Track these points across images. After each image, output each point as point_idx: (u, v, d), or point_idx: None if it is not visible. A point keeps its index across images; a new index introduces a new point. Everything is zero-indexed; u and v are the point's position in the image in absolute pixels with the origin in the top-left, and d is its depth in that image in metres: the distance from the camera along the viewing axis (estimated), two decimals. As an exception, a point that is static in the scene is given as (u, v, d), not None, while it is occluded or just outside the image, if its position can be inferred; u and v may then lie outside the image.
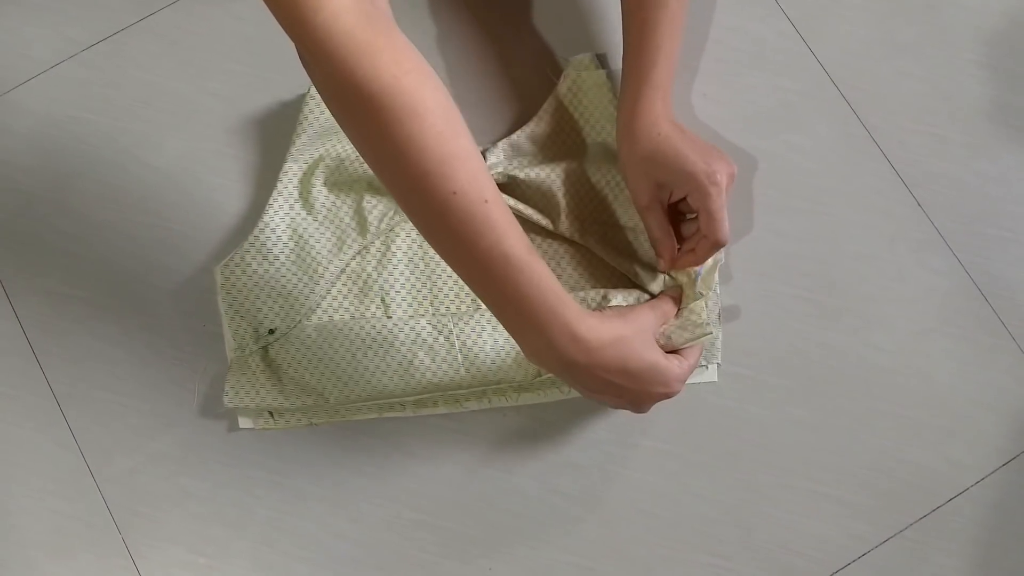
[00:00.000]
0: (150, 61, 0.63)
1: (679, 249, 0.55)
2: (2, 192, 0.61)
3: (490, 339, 0.56)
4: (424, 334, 0.56)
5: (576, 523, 0.56)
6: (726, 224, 0.52)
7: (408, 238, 0.59)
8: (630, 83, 0.55)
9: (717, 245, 0.52)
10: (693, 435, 0.57)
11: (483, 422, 0.57)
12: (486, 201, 0.44)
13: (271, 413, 0.57)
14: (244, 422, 0.57)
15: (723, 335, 0.58)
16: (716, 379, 0.57)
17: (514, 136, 0.59)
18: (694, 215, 0.53)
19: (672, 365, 0.50)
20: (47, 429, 0.58)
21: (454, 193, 0.43)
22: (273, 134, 0.61)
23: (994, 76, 0.61)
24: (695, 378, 0.57)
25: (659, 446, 0.57)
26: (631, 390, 0.48)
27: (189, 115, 0.62)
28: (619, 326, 0.48)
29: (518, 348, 0.56)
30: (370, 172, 0.57)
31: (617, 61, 0.62)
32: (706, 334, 0.52)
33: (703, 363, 0.57)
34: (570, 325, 0.46)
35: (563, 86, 0.60)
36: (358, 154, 0.57)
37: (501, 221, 0.45)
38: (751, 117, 0.61)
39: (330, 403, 0.56)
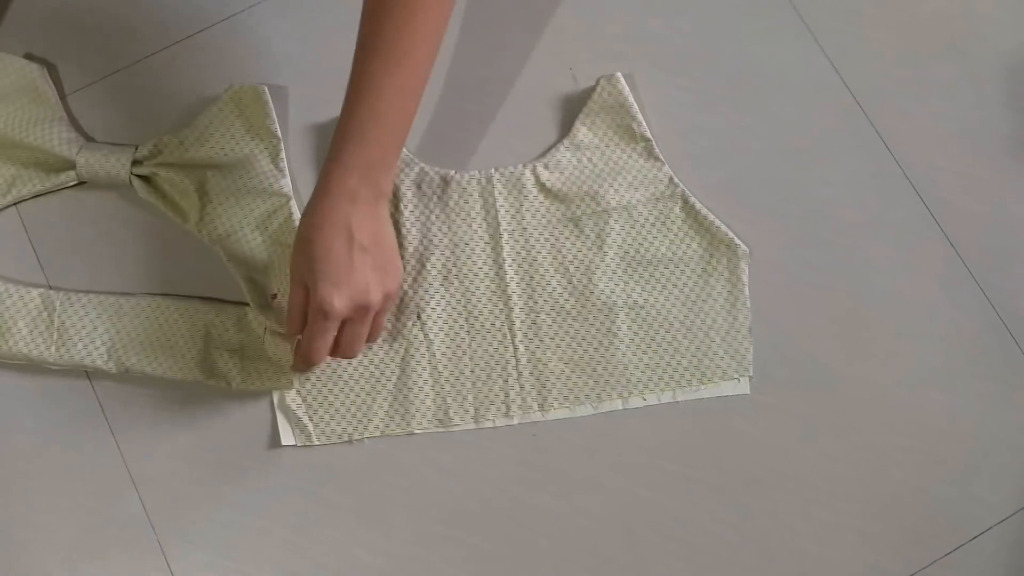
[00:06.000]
0: (199, 76, 0.64)
1: None
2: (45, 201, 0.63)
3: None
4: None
5: (601, 544, 0.57)
6: (312, 352, 0.52)
7: (442, 257, 0.60)
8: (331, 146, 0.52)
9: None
10: (719, 461, 0.58)
11: (513, 441, 0.58)
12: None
13: (311, 427, 0.58)
14: (286, 438, 0.58)
15: (751, 365, 0.59)
16: (748, 391, 0.58)
17: (169, 135, 0.61)
18: None
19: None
20: (88, 430, 0.59)
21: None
22: (312, 150, 0.63)
23: None
24: (728, 391, 0.58)
25: (685, 471, 0.58)
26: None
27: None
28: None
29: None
30: (25, 142, 0.59)
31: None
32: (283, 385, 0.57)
33: (735, 376, 0.58)
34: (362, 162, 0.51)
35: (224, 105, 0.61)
36: (15, 127, 0.60)
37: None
38: (786, 149, 0.62)
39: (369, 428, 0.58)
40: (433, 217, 0.61)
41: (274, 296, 0.58)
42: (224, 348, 0.58)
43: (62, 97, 0.63)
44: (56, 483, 0.58)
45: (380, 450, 0.58)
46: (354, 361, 0.59)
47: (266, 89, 0.62)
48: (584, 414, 0.58)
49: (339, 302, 0.50)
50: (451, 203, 0.61)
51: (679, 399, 0.58)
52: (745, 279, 0.59)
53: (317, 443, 0.58)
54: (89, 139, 0.62)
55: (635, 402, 0.58)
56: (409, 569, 0.57)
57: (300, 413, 0.58)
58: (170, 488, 0.58)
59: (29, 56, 0.63)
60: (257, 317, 0.58)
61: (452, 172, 0.61)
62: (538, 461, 0.58)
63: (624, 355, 0.59)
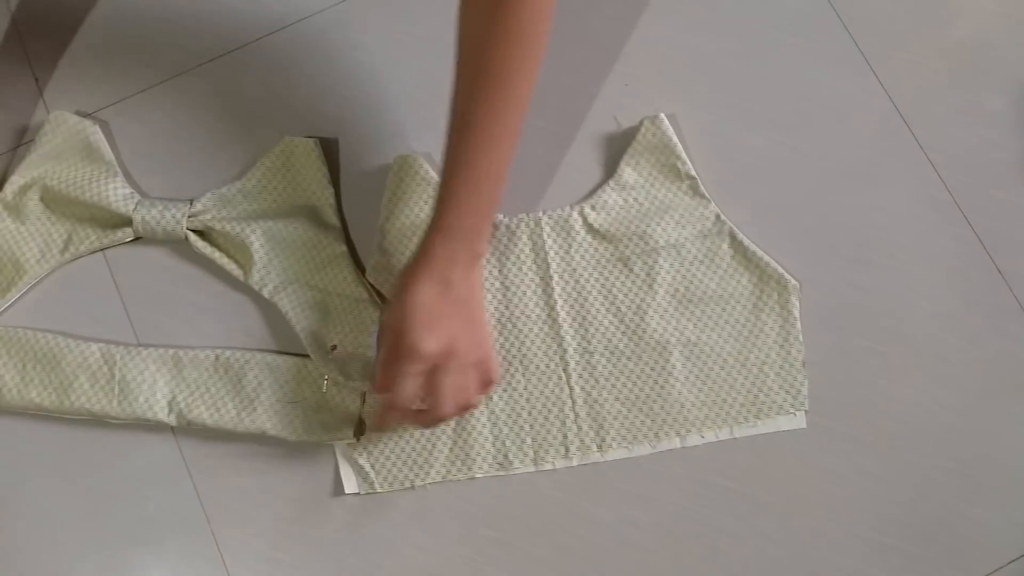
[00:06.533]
0: (252, 129, 0.65)
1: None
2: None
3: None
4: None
5: (646, 554, 0.58)
6: (400, 396, 0.52)
7: (494, 300, 0.60)
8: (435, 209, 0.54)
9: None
10: (766, 478, 0.59)
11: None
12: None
13: (374, 475, 0.59)
14: (349, 486, 0.59)
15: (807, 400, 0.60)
16: (804, 426, 0.59)
17: (224, 188, 0.62)
18: None
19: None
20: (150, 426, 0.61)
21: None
22: (364, 200, 0.63)
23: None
24: (784, 425, 0.59)
25: (732, 486, 0.59)
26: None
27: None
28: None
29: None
30: (82, 199, 0.60)
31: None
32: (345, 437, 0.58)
33: (791, 411, 0.59)
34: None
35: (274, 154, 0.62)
36: (71, 184, 0.61)
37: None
38: (836, 173, 0.63)
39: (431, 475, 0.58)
40: (484, 263, 0.61)
41: (333, 347, 0.59)
42: (284, 400, 0.59)
43: (116, 153, 0.63)
44: (115, 472, 0.60)
45: (433, 452, 0.60)
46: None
47: (317, 141, 0.62)
48: (643, 453, 0.59)
49: (427, 345, 0.51)
50: (501, 247, 0.61)
51: (736, 435, 0.59)
52: (796, 313, 0.60)
53: (380, 491, 0.58)
54: (143, 194, 0.63)
55: (693, 440, 0.59)
56: (455, 569, 0.58)
57: (362, 461, 0.59)
58: (226, 481, 0.59)
59: (80, 113, 0.64)
60: (317, 369, 0.59)
61: (501, 216, 0.62)
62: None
63: (680, 393, 0.59)
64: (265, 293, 0.60)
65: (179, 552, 0.59)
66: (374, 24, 0.66)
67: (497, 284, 0.61)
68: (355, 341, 0.59)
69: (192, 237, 0.61)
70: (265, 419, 0.58)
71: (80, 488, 0.59)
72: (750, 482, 0.59)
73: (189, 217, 0.60)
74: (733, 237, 0.61)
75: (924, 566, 0.57)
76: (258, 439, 0.59)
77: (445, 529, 0.59)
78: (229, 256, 0.61)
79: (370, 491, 0.59)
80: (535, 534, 0.58)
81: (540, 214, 0.62)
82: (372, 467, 0.59)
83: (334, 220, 0.62)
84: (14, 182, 0.62)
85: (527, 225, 0.62)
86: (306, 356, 0.59)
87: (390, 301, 0.55)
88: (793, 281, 0.60)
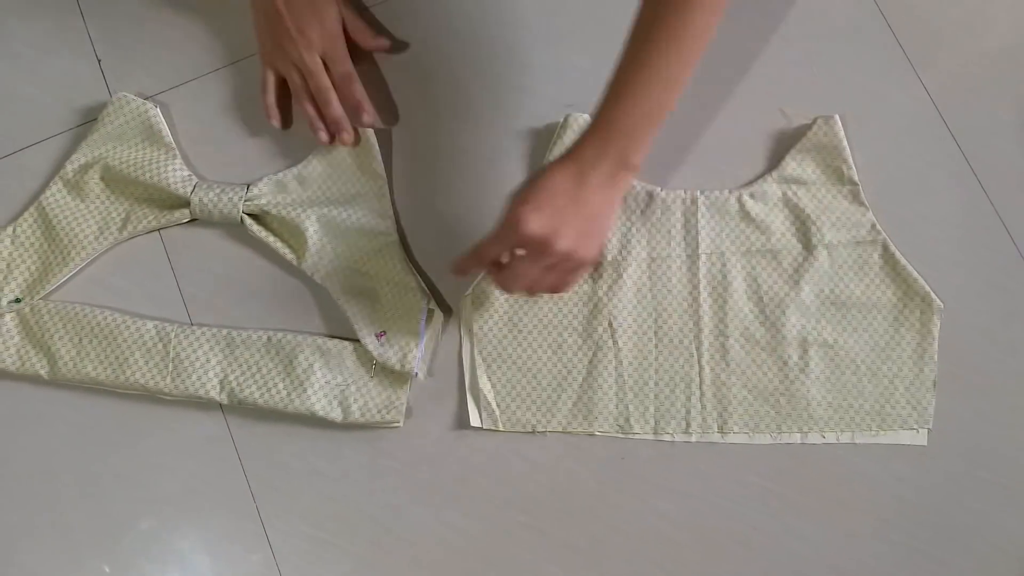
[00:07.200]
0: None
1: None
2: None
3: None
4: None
5: (676, 546, 0.58)
6: (482, 252, 0.54)
7: (639, 269, 0.61)
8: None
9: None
10: (800, 479, 0.59)
11: (601, 444, 0.60)
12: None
13: (499, 413, 0.59)
14: (474, 419, 0.60)
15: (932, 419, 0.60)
16: (925, 443, 0.59)
17: (280, 174, 0.63)
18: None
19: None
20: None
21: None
22: (415, 191, 0.64)
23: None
24: (906, 440, 0.60)
25: (765, 484, 0.59)
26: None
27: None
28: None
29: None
30: (141, 179, 0.61)
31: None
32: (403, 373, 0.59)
33: (915, 427, 0.60)
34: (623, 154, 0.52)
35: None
36: (131, 164, 0.62)
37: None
38: (881, 182, 0.63)
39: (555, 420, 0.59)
40: (634, 230, 0.62)
41: (381, 334, 0.60)
42: (334, 383, 0.60)
43: (175, 136, 0.64)
44: (162, 445, 0.60)
45: (473, 440, 0.60)
46: (544, 356, 0.61)
47: (372, 131, 0.63)
48: (762, 443, 0.60)
49: (529, 225, 0.51)
50: (653, 219, 0.62)
51: (857, 441, 0.60)
52: (936, 333, 0.60)
53: (503, 429, 0.60)
54: (201, 177, 0.63)
55: (814, 438, 0.60)
56: (484, 550, 0.59)
57: (490, 398, 0.60)
58: (271, 459, 0.60)
59: (142, 95, 0.65)
60: (367, 354, 0.60)
61: (658, 189, 0.63)
62: (622, 464, 0.60)
63: (809, 391, 0.60)
64: (317, 278, 0.61)
65: (224, 526, 0.59)
66: (425, 17, 0.67)
67: (643, 254, 0.62)
68: (403, 328, 0.60)
69: (248, 220, 0.62)
70: (314, 400, 0.59)
71: (129, 460, 0.60)
72: (784, 482, 0.59)
73: (245, 201, 0.61)
74: (886, 248, 0.61)
75: (953, 572, 0.58)
76: (306, 420, 0.60)
77: (479, 512, 0.59)
78: (283, 241, 0.62)
79: (493, 427, 0.60)
80: (570, 523, 0.59)
81: (697, 193, 0.63)
82: (498, 406, 0.60)
83: (387, 209, 0.63)
84: (75, 160, 0.63)
85: (683, 201, 0.62)
86: (356, 341, 0.61)
87: (528, 183, 0.54)
88: (938, 302, 0.61)
